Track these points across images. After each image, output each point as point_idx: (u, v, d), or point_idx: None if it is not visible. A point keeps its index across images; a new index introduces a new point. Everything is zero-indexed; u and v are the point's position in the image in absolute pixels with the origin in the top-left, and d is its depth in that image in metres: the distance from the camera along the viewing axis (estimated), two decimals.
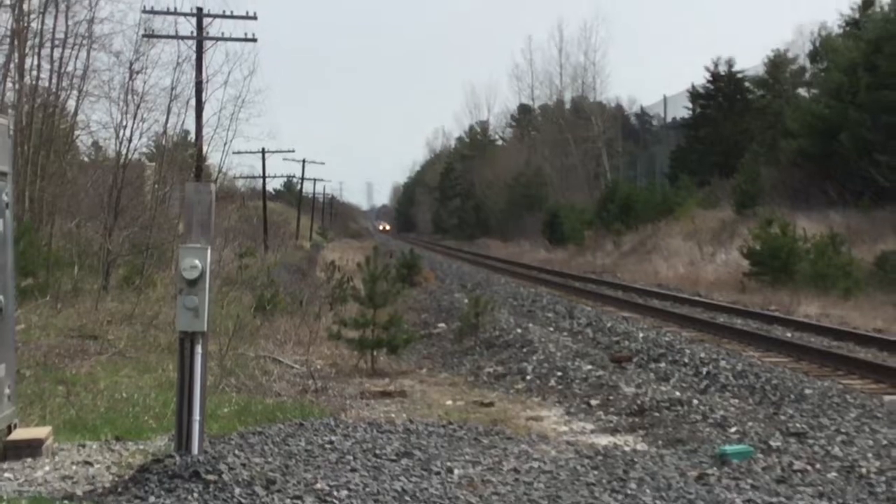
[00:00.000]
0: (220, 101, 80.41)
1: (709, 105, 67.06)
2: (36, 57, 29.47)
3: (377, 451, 10.34)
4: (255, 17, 38.65)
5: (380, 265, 19.83)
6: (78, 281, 25.39)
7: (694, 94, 69.02)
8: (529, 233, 78.93)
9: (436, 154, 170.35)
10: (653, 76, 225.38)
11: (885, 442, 11.13)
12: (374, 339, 18.57)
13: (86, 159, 38.78)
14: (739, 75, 66.91)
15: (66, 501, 8.38)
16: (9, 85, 28.88)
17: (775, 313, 26.70)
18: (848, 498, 9.16)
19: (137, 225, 30.83)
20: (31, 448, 9.93)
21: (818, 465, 10.26)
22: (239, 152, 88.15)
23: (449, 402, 15.01)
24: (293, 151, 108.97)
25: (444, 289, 37.45)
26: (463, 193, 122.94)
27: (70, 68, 30.56)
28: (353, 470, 9.50)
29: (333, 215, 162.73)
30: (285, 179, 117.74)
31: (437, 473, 9.48)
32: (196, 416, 8.68)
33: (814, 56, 62.88)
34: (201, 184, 9.81)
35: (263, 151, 72.94)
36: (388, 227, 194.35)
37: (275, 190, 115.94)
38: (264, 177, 75.98)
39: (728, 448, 10.72)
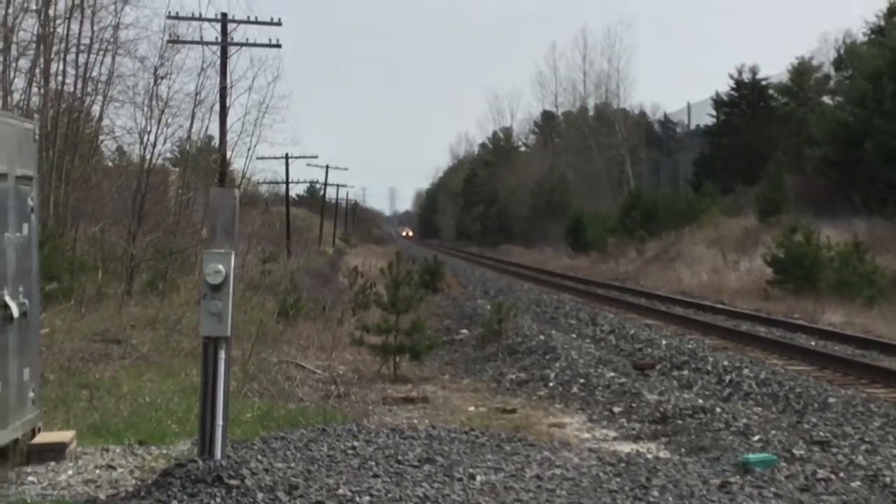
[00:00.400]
0: (244, 106, 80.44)
1: (733, 112, 66.87)
2: (61, 62, 29.58)
3: (399, 457, 10.34)
4: (279, 24, 38.68)
5: (402, 271, 19.84)
6: (102, 285, 25.48)
7: (718, 102, 68.85)
8: (552, 239, 78.88)
9: (459, 160, 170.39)
10: (677, 83, 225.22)
11: None
12: (396, 344, 18.56)
13: (110, 164, 38.88)
14: (763, 83, 66.74)
15: None
16: (34, 90, 29.02)
17: (799, 321, 26.61)
18: None
19: (161, 230, 30.94)
20: (55, 452, 9.97)
21: (842, 474, 10.22)
22: (263, 158, 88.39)
23: (471, 409, 15.00)
24: (316, 157, 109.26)
25: (466, 295, 37.45)
26: (486, 200, 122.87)
27: (95, 73, 30.70)
28: (376, 476, 9.50)
29: (356, 221, 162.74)
30: (308, 185, 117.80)
31: (460, 480, 9.47)
32: (219, 421, 8.69)
33: (838, 64, 62.67)
34: (225, 189, 9.84)
35: (287, 157, 73.07)
36: (411, 233, 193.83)
37: (298, 195, 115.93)
38: (287, 182, 76.13)
39: (751, 456, 10.69)
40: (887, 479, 9.97)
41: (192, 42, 36.07)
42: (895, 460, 10.70)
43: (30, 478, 9.33)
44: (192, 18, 36.34)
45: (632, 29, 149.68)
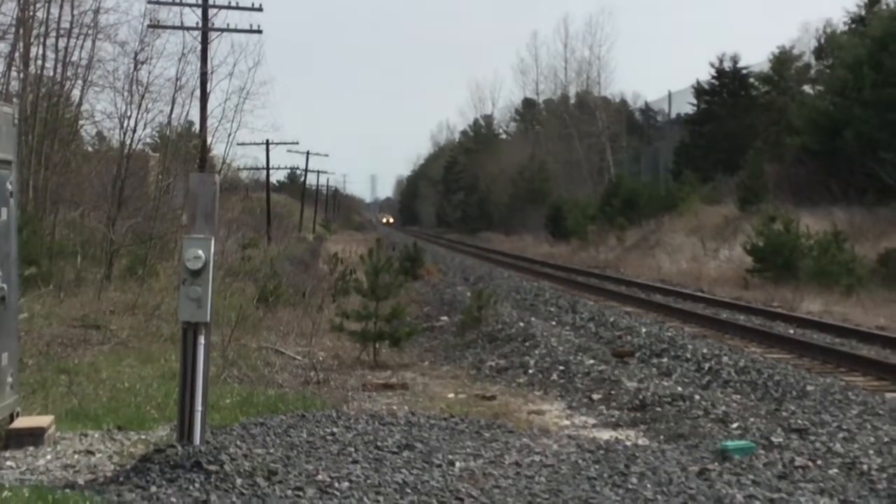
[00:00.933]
0: (224, 92, 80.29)
1: (713, 101, 66.92)
2: (41, 46, 29.52)
3: (379, 444, 10.36)
4: (260, 9, 38.69)
5: (382, 258, 19.84)
6: (81, 270, 25.43)
7: (699, 90, 68.91)
8: (533, 227, 78.91)
9: (440, 147, 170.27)
10: (657, 72, 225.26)
11: (886, 439, 11.12)
12: (376, 331, 18.58)
13: (90, 149, 38.80)
14: (744, 71, 66.82)
15: (67, 490, 8.38)
16: (14, 74, 28.94)
17: (778, 310, 26.67)
18: (849, 494, 9.16)
19: (141, 215, 30.87)
20: (34, 437, 9.95)
21: (819, 462, 10.26)
22: (243, 144, 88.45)
23: (451, 396, 15.02)
24: (297, 143, 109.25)
25: (446, 282, 37.44)
26: (466, 187, 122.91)
27: (75, 58, 30.65)
28: (355, 462, 9.51)
29: (337, 207, 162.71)
30: (289, 171, 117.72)
31: (439, 466, 9.49)
32: (198, 407, 8.69)
33: (819, 53, 62.80)
34: (206, 174, 9.81)
35: (267, 143, 73.04)
36: (391, 220, 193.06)
37: (278, 182, 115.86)
38: (268, 168, 76.07)
39: (730, 444, 10.73)
40: (864, 467, 10.01)
41: (173, 27, 36.07)
42: (872, 448, 10.73)
43: (8, 462, 9.31)
44: (173, 3, 36.35)
45: (613, 17, 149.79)
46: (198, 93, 37.30)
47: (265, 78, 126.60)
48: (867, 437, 11.21)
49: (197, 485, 8.01)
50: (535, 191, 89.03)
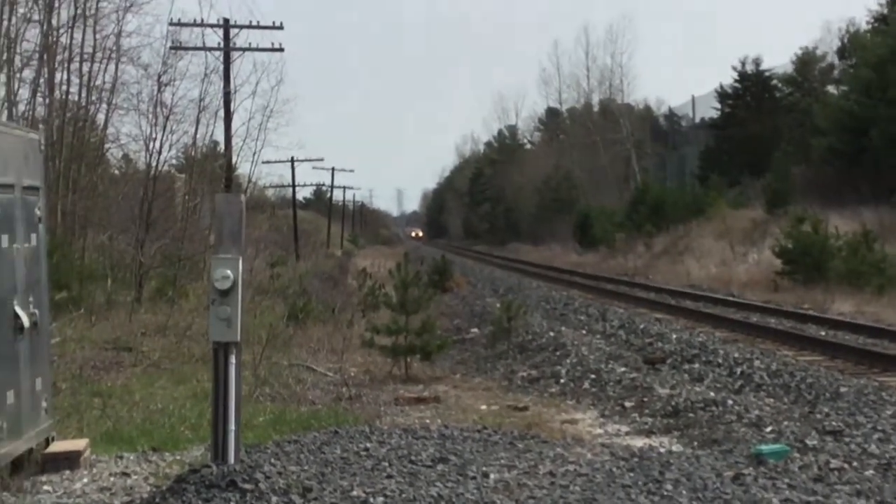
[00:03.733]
0: (248, 111, 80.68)
1: (737, 105, 66.87)
2: (65, 72, 29.67)
3: (412, 458, 10.35)
4: (281, 27, 38.94)
5: (411, 271, 19.85)
6: (111, 293, 25.53)
7: (722, 94, 68.86)
8: (560, 236, 78.82)
9: (465, 159, 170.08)
10: (680, 77, 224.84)
11: None
12: (407, 345, 18.57)
13: (116, 172, 38.96)
14: (767, 74, 66.69)
15: None
16: (39, 100, 29.09)
17: (809, 312, 26.58)
18: (886, 495, 9.11)
19: (169, 237, 30.97)
20: (69, 460, 9.99)
21: (855, 464, 10.22)
22: (268, 162, 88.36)
23: (483, 407, 15.01)
24: (322, 160, 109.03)
25: (475, 294, 37.44)
26: (493, 198, 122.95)
27: (99, 82, 30.80)
28: (389, 476, 9.51)
29: (364, 222, 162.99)
30: (315, 188, 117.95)
31: (473, 478, 9.48)
32: (231, 426, 8.70)
33: (842, 53, 62.67)
34: (231, 195, 9.87)
35: (293, 160, 73.16)
36: (420, 234, 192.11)
37: (305, 199, 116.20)
38: (294, 186, 76.34)
39: (764, 447, 10.69)
40: None
41: (195, 48, 36.28)
42: None
43: (45, 487, 9.36)
44: (195, 25, 36.55)
45: (633, 24, 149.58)
46: (221, 113, 37.53)
47: (288, 95, 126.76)
48: None
49: (233, 503, 8.04)
50: (561, 200, 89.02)
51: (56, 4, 28.68)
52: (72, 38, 29.47)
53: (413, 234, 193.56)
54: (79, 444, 10.39)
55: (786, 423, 12.27)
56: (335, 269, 54.21)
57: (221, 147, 39.38)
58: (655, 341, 21.24)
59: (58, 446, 10.23)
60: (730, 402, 13.80)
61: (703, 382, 16.27)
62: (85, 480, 9.64)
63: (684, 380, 16.42)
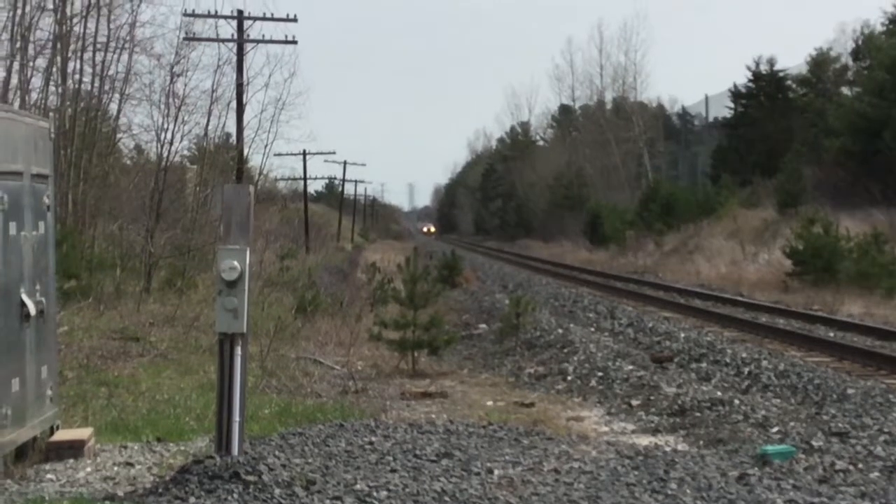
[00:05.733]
0: (260, 103, 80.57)
1: (750, 104, 66.72)
2: (78, 61, 29.65)
3: (417, 452, 10.34)
4: (295, 20, 38.91)
5: (420, 266, 19.84)
6: (120, 283, 25.53)
7: (735, 94, 68.72)
8: (571, 233, 78.82)
9: (477, 155, 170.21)
10: (694, 76, 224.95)
11: None
12: (414, 339, 18.56)
13: (128, 162, 38.99)
14: (781, 74, 66.56)
15: (107, 502, 8.44)
16: (52, 88, 29.07)
17: (818, 313, 26.53)
18: (890, 498, 9.08)
19: (179, 227, 31.01)
20: (74, 449, 9.99)
21: (860, 465, 10.19)
22: (280, 154, 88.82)
23: (489, 403, 15.01)
24: (334, 153, 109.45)
25: (484, 290, 37.42)
26: (504, 194, 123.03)
27: (112, 72, 30.77)
28: (393, 471, 9.50)
29: (375, 217, 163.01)
30: (326, 181, 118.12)
31: (477, 474, 9.47)
32: (236, 418, 8.71)
33: (856, 54, 62.55)
34: (240, 185, 9.85)
35: (304, 153, 73.28)
36: (432, 229, 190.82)
37: (316, 192, 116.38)
38: (305, 178, 76.40)
39: (769, 448, 10.67)
40: None
41: (209, 39, 36.29)
42: None
43: (48, 475, 9.36)
44: (208, 16, 36.54)
45: (648, 22, 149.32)
46: (234, 104, 37.51)
47: (301, 88, 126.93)
48: None
49: (235, 495, 8.03)
50: (572, 197, 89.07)
51: None
52: (85, 27, 29.50)
53: (425, 229, 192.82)
54: (83, 432, 10.39)
55: (792, 423, 12.24)
56: (345, 262, 54.25)
57: (233, 139, 39.39)
58: (663, 340, 21.23)
59: (62, 435, 10.24)
60: (736, 401, 13.77)
61: (711, 382, 16.25)
62: (89, 469, 9.64)
63: (691, 379, 16.39)
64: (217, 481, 8.23)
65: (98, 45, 29.99)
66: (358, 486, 8.68)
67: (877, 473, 9.93)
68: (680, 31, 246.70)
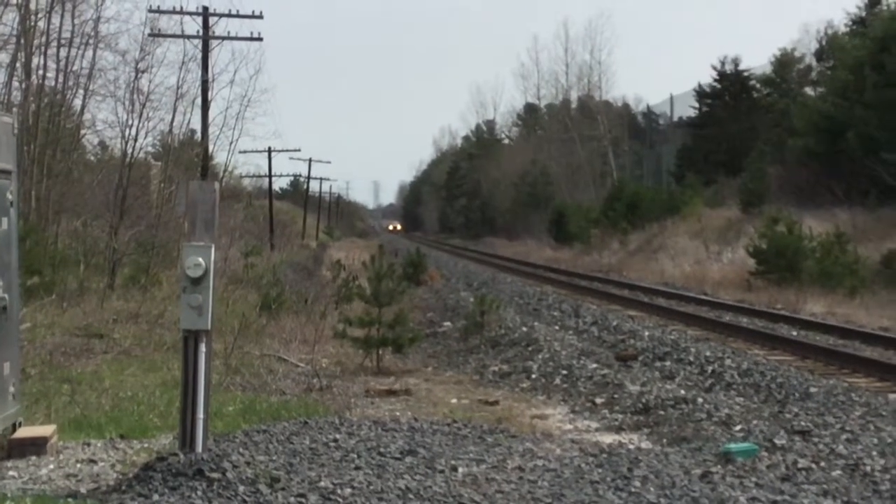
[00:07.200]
0: (226, 100, 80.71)
1: (715, 104, 66.97)
2: (42, 56, 29.51)
3: (381, 450, 10.35)
4: (261, 17, 38.90)
5: (385, 264, 19.83)
6: (84, 280, 25.39)
7: (700, 93, 68.98)
8: (535, 232, 78.90)
9: (442, 153, 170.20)
10: (659, 75, 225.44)
11: (889, 440, 11.11)
12: (379, 337, 18.55)
13: (92, 158, 38.85)
14: (746, 74, 66.85)
15: (70, 499, 8.40)
16: (15, 84, 28.91)
17: (781, 312, 26.66)
18: (852, 496, 9.15)
19: (143, 224, 30.85)
20: (36, 446, 9.95)
21: (823, 464, 10.25)
22: (245, 151, 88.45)
23: (454, 401, 15.02)
24: (299, 150, 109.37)
25: (449, 287, 37.41)
26: (469, 192, 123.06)
27: (76, 67, 30.64)
28: (358, 468, 9.51)
29: (340, 214, 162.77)
30: (291, 178, 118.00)
31: (441, 472, 9.48)
32: (200, 415, 8.69)
33: (820, 55, 62.92)
34: (205, 182, 9.82)
35: (269, 150, 73.19)
36: (398, 227, 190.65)
37: (281, 189, 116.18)
38: (270, 176, 76.27)
39: (733, 446, 10.73)
40: (868, 468, 10.01)
41: (174, 36, 36.22)
42: (875, 449, 10.72)
43: (10, 472, 9.31)
44: (174, 12, 36.48)
45: (612, 21, 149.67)
46: (199, 101, 37.48)
47: (266, 85, 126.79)
48: (870, 439, 11.20)
49: (199, 492, 8.01)
50: (537, 195, 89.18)
51: None
52: (49, 22, 29.35)
53: (391, 227, 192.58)
54: (46, 430, 10.34)
55: (755, 422, 12.30)
56: (310, 260, 54.13)
57: (198, 135, 39.30)
58: (628, 338, 21.27)
59: (25, 432, 10.19)
60: (700, 400, 13.83)
61: (674, 380, 16.31)
62: (51, 466, 9.60)
63: (655, 377, 16.44)
64: (181, 478, 8.20)
65: (62, 41, 29.88)
66: (322, 484, 8.68)
67: (839, 471, 9.99)
68: (645, 31, 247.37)
